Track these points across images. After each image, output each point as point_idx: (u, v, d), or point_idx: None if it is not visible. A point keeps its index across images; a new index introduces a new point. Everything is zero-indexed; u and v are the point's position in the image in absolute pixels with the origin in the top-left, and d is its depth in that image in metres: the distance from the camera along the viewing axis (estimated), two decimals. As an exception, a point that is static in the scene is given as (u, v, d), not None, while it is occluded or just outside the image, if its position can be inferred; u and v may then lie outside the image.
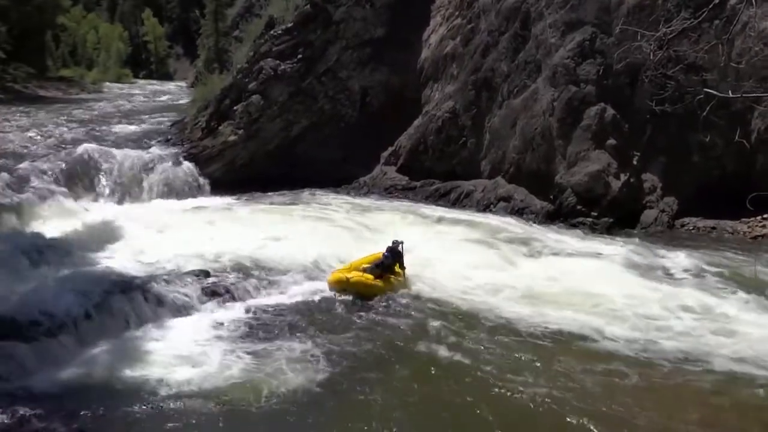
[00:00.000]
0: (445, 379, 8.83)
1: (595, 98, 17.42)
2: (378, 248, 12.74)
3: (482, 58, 19.99)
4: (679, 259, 13.89)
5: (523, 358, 9.43)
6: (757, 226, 15.88)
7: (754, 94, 14.19)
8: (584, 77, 17.52)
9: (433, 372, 9.02)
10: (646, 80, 15.74)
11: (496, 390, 8.49)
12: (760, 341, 9.87)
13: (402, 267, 12.31)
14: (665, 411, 8.07)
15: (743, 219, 16.12)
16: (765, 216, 15.59)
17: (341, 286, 11.75)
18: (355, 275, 11.82)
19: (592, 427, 7.65)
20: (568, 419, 7.83)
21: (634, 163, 17.28)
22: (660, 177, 17.24)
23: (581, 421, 7.77)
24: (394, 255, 12.19)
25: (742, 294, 11.81)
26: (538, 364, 9.22)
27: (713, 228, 16.33)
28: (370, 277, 11.88)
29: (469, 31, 20.74)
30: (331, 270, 12.44)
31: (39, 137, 20.92)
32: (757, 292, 11.71)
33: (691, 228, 16.54)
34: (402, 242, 12.43)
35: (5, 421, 7.39)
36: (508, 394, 8.38)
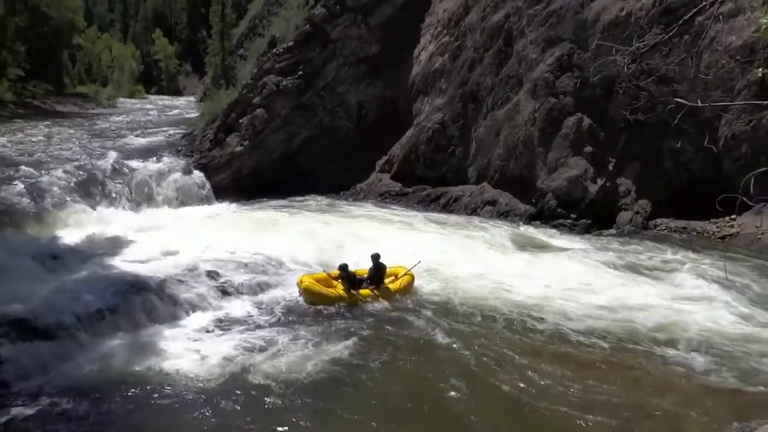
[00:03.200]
0: (430, 371, 8.81)
1: (573, 109, 17.48)
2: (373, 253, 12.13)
3: (468, 73, 20.05)
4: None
5: (518, 357, 9.41)
6: (725, 226, 15.90)
7: (722, 104, 14.28)
8: (563, 89, 17.58)
9: (425, 371, 8.99)
10: (621, 91, 15.86)
11: (491, 381, 8.47)
12: (730, 333, 9.92)
13: (382, 279, 11.65)
14: (641, 395, 8.05)
15: (712, 219, 16.16)
16: (733, 217, 15.59)
17: (298, 288, 11.37)
18: (307, 281, 11.26)
19: (572, 413, 7.60)
20: (547, 405, 7.74)
21: (610, 168, 17.32)
22: (634, 181, 17.27)
23: (559, 407, 7.70)
24: (374, 267, 11.63)
25: (711, 288, 11.79)
26: (526, 359, 9.20)
27: (684, 228, 16.36)
28: (335, 284, 11.38)
29: (456, 48, 20.80)
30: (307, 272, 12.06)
31: (58, 149, 20.83)
32: (729, 288, 11.70)
33: (663, 228, 16.58)
34: (378, 255, 11.70)
35: (30, 414, 7.35)
36: (492, 387, 8.37)
